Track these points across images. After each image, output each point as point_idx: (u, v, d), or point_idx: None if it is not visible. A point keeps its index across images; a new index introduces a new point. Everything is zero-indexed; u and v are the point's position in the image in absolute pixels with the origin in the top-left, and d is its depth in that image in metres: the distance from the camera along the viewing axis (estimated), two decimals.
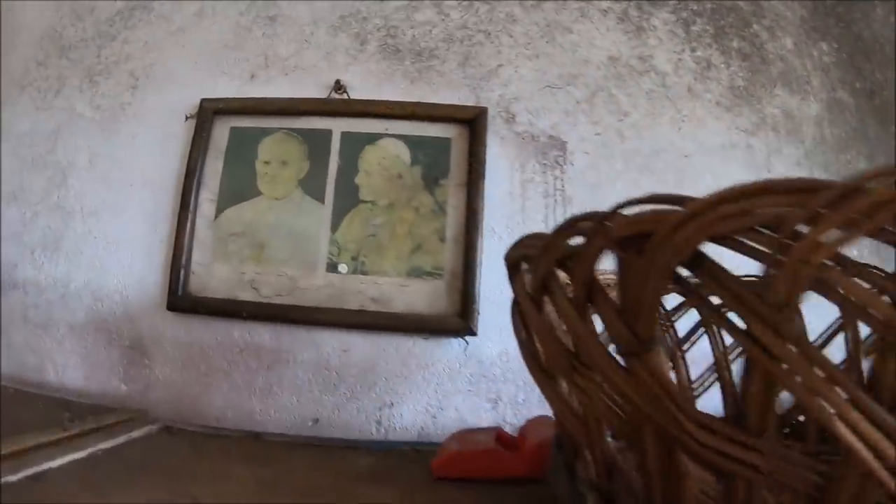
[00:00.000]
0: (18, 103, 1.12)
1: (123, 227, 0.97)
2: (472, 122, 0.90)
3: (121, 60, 1.07)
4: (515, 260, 0.35)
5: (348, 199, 0.90)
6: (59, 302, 0.98)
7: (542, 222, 0.92)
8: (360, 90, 0.96)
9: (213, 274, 0.90)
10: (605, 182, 0.94)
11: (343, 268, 0.87)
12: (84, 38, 1.11)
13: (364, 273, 0.88)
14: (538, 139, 0.95)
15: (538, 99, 0.97)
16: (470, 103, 0.94)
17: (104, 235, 0.98)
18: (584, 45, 1.01)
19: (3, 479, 0.47)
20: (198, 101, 0.97)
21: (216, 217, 0.92)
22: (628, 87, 1.00)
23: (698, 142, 0.97)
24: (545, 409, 0.51)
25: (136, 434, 0.71)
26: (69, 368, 0.96)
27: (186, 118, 0.97)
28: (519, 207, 0.92)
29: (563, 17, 1.03)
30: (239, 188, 0.93)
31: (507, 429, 0.74)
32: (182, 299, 0.89)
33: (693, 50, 1.02)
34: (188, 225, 0.90)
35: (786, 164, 0.98)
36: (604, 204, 0.80)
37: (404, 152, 0.91)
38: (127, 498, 0.47)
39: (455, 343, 0.87)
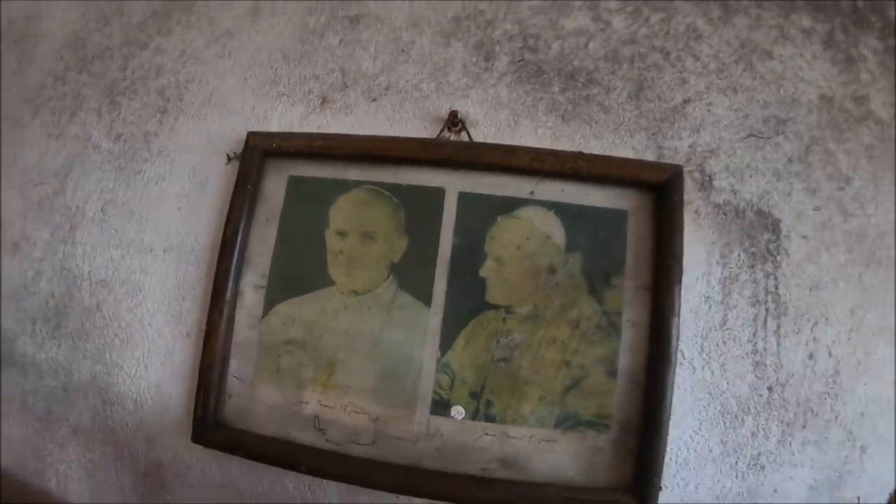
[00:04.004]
0: (29, 128, 0.87)
1: (139, 307, 0.68)
2: (662, 188, 0.54)
3: (149, 75, 0.77)
4: None
5: (469, 300, 0.56)
6: (60, 395, 0.72)
7: (750, 343, 0.53)
8: (485, 128, 0.62)
9: (257, 397, 0.56)
10: (825, 280, 0.58)
11: (459, 411, 0.50)
12: (109, 47, 0.84)
13: (490, 420, 0.55)
14: (744, 215, 0.57)
15: (741, 154, 0.61)
16: (650, 155, 0.57)
17: (115, 315, 0.69)
18: (789, 76, 0.65)
19: None
20: (244, 135, 0.64)
21: (264, 314, 0.59)
22: (846, 141, 0.64)
23: None
24: None
25: None
26: (72, 480, 0.66)
27: (228, 159, 0.65)
28: (719, 321, 0.54)
29: (758, 35, 0.65)
30: (299, 271, 0.59)
31: None
32: (213, 430, 0.57)
33: None
34: (224, 319, 0.57)
35: None
36: (826, 313, 0.58)
37: (557, 231, 0.56)
38: None
39: None
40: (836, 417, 0.60)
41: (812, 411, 0.59)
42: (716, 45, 0.67)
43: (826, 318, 0.60)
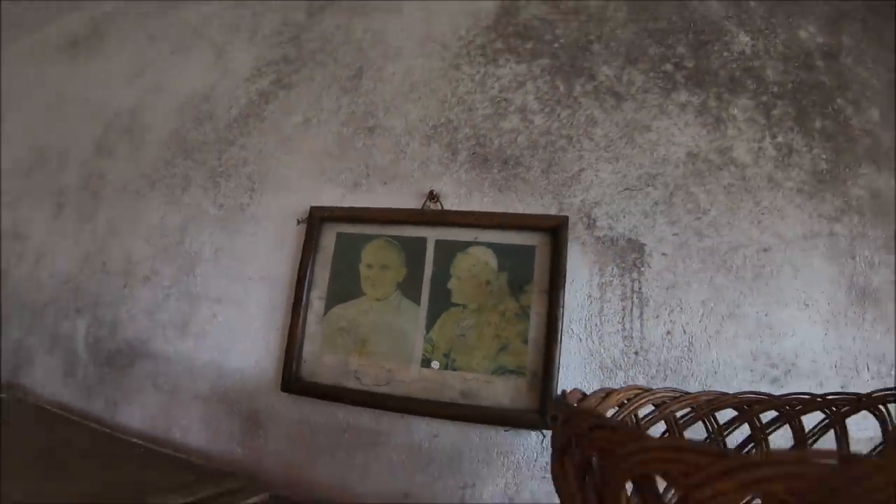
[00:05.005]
0: (149, 197, 1.36)
1: (243, 317, 1.16)
2: (555, 230, 1.00)
3: (238, 164, 1.28)
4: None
5: (441, 302, 1.03)
6: (185, 374, 1.19)
7: (619, 324, 1.00)
8: (451, 198, 1.09)
9: (321, 363, 1.08)
10: (681, 282, 1.00)
11: (436, 364, 1.00)
12: (206, 142, 1.34)
13: (454, 369, 1.00)
14: (617, 242, 1.03)
15: (618, 202, 1.05)
16: (553, 210, 1.04)
17: (227, 322, 1.17)
18: (663, 142, 1.08)
19: None
20: (308, 207, 1.14)
21: (325, 314, 1.09)
22: (707, 184, 1.04)
23: (778, 234, 1.00)
24: None
25: (250, 501, 0.88)
26: (192, 431, 1.16)
27: (298, 222, 1.15)
28: (597, 310, 1.02)
29: (641, 115, 1.10)
30: (345, 289, 1.09)
31: None
32: (294, 383, 1.06)
33: (774, 136, 1.06)
34: (300, 320, 1.08)
35: (871, 248, 0.99)
36: (679, 304, 0.97)
37: (492, 260, 1.03)
38: None
39: (533, 435, 0.97)
40: (692, 374, 0.95)
41: (671, 369, 0.95)
42: (607, 127, 1.09)
43: (681, 308, 0.97)
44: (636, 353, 1.00)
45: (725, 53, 1.13)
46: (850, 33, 1.13)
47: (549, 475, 0.97)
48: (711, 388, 0.91)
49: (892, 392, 0.66)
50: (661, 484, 0.32)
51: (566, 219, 1.03)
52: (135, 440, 1.12)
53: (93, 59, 1.72)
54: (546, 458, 0.99)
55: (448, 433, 1.01)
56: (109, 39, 1.72)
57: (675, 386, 0.84)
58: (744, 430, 0.71)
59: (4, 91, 1.92)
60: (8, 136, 1.81)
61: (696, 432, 0.70)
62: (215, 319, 1.20)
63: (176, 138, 1.38)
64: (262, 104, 1.31)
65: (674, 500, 0.44)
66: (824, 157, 1.05)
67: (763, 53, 1.12)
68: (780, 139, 1.06)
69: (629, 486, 0.34)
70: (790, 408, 0.69)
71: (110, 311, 1.33)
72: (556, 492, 0.46)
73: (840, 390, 0.84)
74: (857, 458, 0.21)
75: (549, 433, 0.99)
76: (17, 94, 1.88)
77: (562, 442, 0.42)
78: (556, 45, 1.19)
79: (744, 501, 0.29)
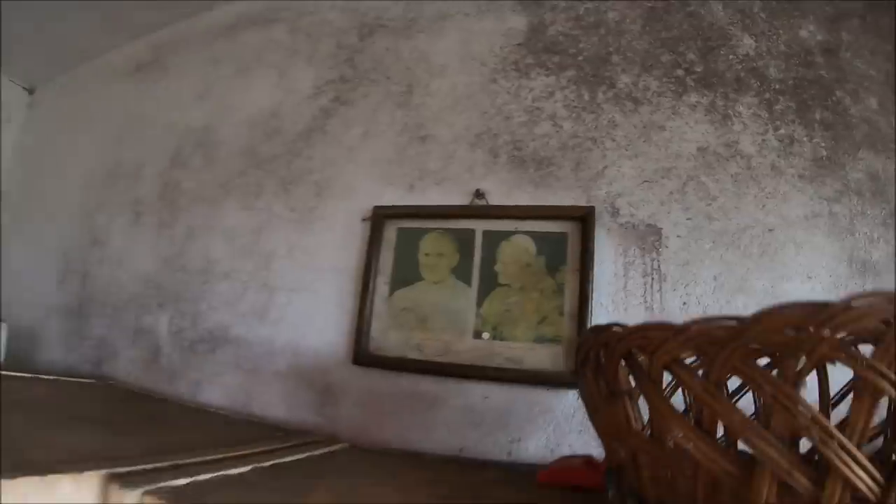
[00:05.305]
0: (224, 204, 1.57)
1: (318, 303, 1.35)
2: (584, 218, 1.17)
3: (305, 173, 1.47)
4: (585, 351, 0.58)
5: (489, 283, 1.23)
6: (265, 356, 1.39)
7: (642, 297, 1.15)
8: (495, 195, 1.28)
9: (387, 338, 1.31)
10: (695, 260, 1.15)
11: (486, 335, 1.19)
12: (275, 154, 1.54)
13: (501, 339, 1.18)
14: (638, 228, 1.19)
15: (637, 193, 1.21)
16: (582, 202, 1.21)
17: (303, 309, 1.37)
18: (675, 140, 1.24)
19: (235, 472, 0.69)
20: (371, 207, 1.34)
21: (389, 296, 1.29)
22: (716, 174, 1.19)
23: (781, 215, 1.14)
24: None
25: (330, 449, 1.08)
26: (272, 404, 1.35)
27: (363, 220, 1.35)
28: (622, 286, 1.22)
29: (657, 116, 1.27)
30: (406, 275, 1.29)
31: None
32: (364, 356, 1.27)
33: (776, 129, 1.19)
34: (368, 302, 1.28)
35: (870, 226, 1.11)
36: (694, 279, 1.22)
37: (531, 246, 1.23)
38: (319, 492, 0.69)
39: (570, 394, 1.13)
40: None
41: None
42: (626, 129, 1.25)
43: (695, 282, 1.12)
44: None
45: (731, 56, 1.31)
46: (848, 29, 1.24)
47: (585, 429, 1.15)
48: None
49: None
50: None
51: (593, 209, 1.21)
52: (220, 411, 1.32)
53: (158, 82, 2.02)
54: (582, 413, 1.23)
55: (497, 395, 1.19)
56: (172, 64, 2.02)
57: None
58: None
59: (73, 112, 2.27)
60: (80, 153, 2.15)
61: None
62: (291, 306, 1.39)
63: (247, 151, 1.60)
64: (324, 119, 1.56)
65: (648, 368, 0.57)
66: (824, 144, 1.17)
67: (766, 54, 1.27)
68: (782, 131, 1.20)
69: (624, 370, 0.52)
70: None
71: (191, 305, 1.55)
72: (581, 397, 0.71)
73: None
74: (744, 316, 0.39)
75: None
76: (85, 115, 2.22)
77: (583, 356, 0.59)
78: (579, 57, 1.40)
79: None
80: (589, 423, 1.17)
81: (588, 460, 0.96)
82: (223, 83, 1.77)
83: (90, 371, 1.65)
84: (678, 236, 1.21)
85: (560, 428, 1.16)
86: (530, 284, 1.24)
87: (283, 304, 1.44)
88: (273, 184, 1.55)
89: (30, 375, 1.40)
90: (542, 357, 1.20)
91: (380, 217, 1.33)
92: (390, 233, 1.32)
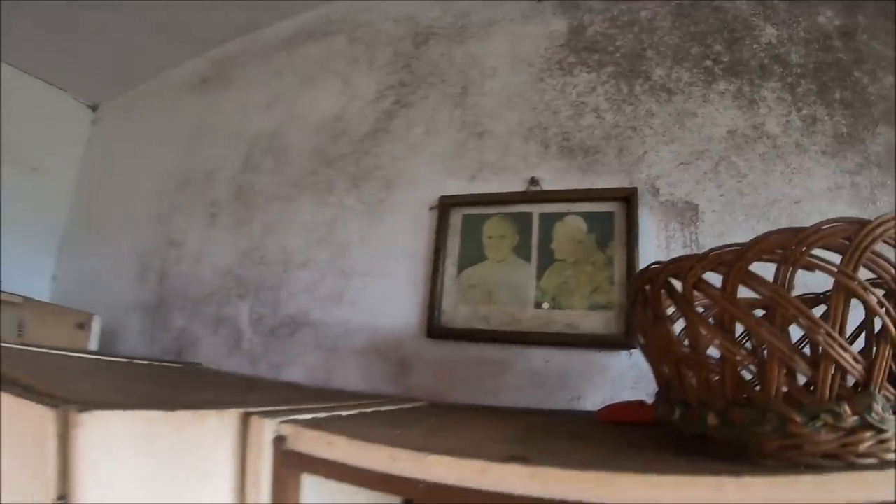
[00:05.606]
0: (298, 201, 1.79)
1: (391, 285, 1.54)
2: (628, 199, 1.34)
3: (373, 169, 1.67)
4: (640, 283, 0.69)
5: (547, 259, 1.42)
6: (343, 335, 1.60)
7: None
8: (548, 181, 1.46)
9: (457, 312, 1.54)
10: (730, 231, 1.28)
11: (546, 305, 1.37)
12: (344, 154, 1.76)
13: (559, 308, 1.36)
14: (676, 205, 1.34)
15: (675, 174, 1.37)
16: (625, 184, 1.37)
17: (378, 291, 1.56)
18: (707, 125, 1.39)
19: (346, 414, 0.81)
20: (437, 197, 1.54)
21: (458, 275, 1.48)
22: (745, 154, 1.33)
23: (807, 189, 1.26)
24: None
25: (414, 405, 1.26)
26: (350, 378, 1.56)
27: (430, 209, 1.55)
28: (664, 257, 1.46)
29: (689, 104, 1.43)
30: (472, 255, 1.49)
31: None
32: (436, 329, 1.46)
33: (799, 110, 1.32)
34: (438, 281, 1.47)
35: (890, 194, 1.20)
36: None
37: (583, 225, 1.41)
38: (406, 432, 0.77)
39: (623, 355, 1.29)
40: None
41: None
42: (663, 117, 1.41)
43: None
44: None
45: (755, 45, 1.43)
46: (864, 13, 1.36)
47: (637, 387, 1.25)
48: None
49: None
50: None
51: (636, 189, 1.37)
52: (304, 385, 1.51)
53: (224, 93, 2.32)
54: (634, 372, 1.36)
55: (557, 358, 1.35)
56: (235, 77, 2.31)
57: None
58: None
59: (139, 126, 2.62)
60: (150, 163, 2.50)
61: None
62: (366, 290, 1.59)
63: (317, 152, 1.81)
64: (388, 120, 1.80)
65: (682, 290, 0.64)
66: (844, 122, 1.28)
67: (787, 41, 1.39)
68: (804, 111, 1.32)
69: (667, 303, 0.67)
70: None
71: (271, 294, 1.75)
72: (633, 328, 0.93)
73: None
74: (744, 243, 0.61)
75: (635, 352, 1.50)
76: (152, 128, 2.56)
77: (633, 294, 0.71)
78: (617, 54, 1.56)
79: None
80: (640, 381, 1.38)
81: (640, 402, 1.06)
82: (289, 92, 2.01)
83: (173, 359, 1.83)
84: (713, 211, 1.34)
85: (615, 385, 1.30)
86: (583, 259, 1.42)
87: (358, 288, 1.63)
88: (343, 180, 1.76)
89: (125, 360, 1.63)
90: (596, 322, 1.38)
91: (446, 205, 1.58)
92: (456, 219, 1.58)
